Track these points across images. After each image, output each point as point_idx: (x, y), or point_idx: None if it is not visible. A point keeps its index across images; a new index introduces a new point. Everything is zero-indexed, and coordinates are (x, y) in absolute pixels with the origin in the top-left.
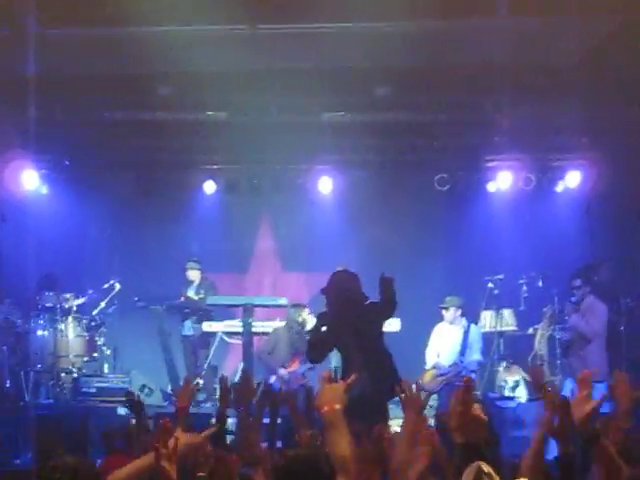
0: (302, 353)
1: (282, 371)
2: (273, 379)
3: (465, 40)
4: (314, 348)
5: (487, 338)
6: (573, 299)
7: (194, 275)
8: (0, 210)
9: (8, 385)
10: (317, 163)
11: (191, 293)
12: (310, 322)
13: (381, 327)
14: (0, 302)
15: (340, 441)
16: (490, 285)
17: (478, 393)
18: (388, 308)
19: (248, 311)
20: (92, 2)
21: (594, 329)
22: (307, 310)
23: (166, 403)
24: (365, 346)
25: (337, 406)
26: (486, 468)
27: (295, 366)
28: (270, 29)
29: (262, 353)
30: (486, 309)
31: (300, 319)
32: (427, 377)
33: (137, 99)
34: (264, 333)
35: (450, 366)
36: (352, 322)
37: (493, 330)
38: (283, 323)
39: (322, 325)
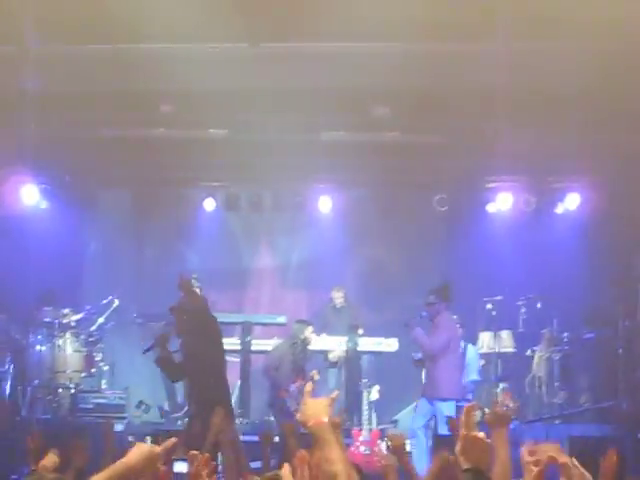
0: (305, 370)
1: (293, 387)
2: (284, 394)
3: (465, 63)
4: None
5: (485, 359)
6: (424, 314)
7: None
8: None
9: (6, 399)
10: (316, 182)
11: None
12: (314, 339)
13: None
14: None
15: (330, 455)
16: (489, 306)
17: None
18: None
19: (247, 329)
20: (94, 20)
21: (434, 346)
22: (311, 328)
23: (163, 420)
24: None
25: (323, 419)
26: None
27: (299, 384)
28: (270, 48)
29: (269, 369)
30: (484, 330)
31: (303, 336)
32: None
33: (138, 116)
34: (263, 351)
35: None
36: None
37: (491, 351)
38: (283, 340)
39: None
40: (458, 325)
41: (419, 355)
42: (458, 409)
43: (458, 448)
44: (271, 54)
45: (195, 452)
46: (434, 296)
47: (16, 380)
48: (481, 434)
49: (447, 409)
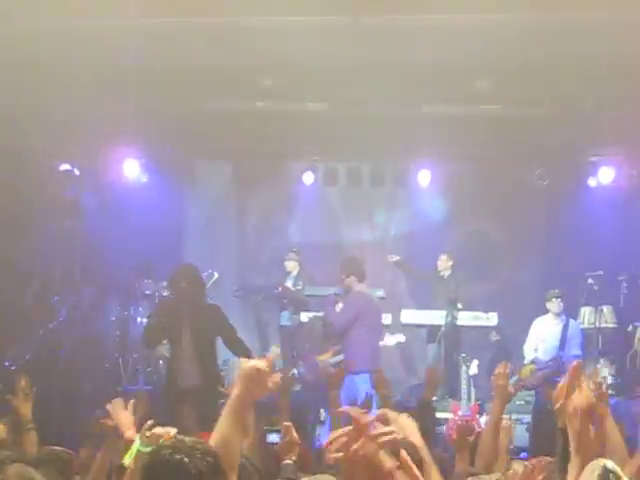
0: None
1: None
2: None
3: (565, 34)
4: (149, 332)
5: (586, 334)
6: (338, 291)
7: (292, 266)
8: (102, 198)
9: (106, 370)
10: (416, 155)
11: (289, 284)
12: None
13: (216, 327)
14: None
15: None
16: (590, 281)
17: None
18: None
19: None
20: None
21: (338, 322)
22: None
23: None
24: (196, 339)
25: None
26: (611, 465)
27: (328, 356)
28: (371, 21)
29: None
30: (585, 305)
31: None
32: (525, 372)
33: (238, 90)
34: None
35: (549, 361)
36: (187, 315)
37: (592, 326)
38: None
39: (159, 311)
40: (380, 295)
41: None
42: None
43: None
44: (372, 27)
45: (288, 423)
46: (343, 272)
47: (117, 352)
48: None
49: (361, 381)
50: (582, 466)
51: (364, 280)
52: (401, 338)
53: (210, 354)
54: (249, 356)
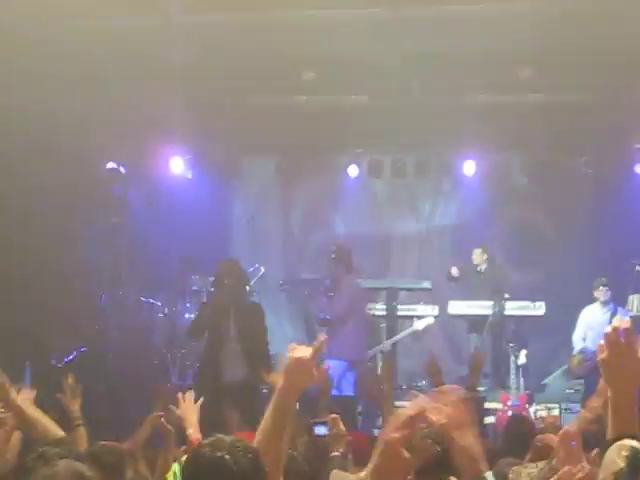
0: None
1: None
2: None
3: (606, 18)
4: (195, 324)
5: (636, 322)
6: (327, 282)
7: None
8: (148, 195)
9: (155, 366)
10: (460, 146)
11: None
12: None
13: (258, 323)
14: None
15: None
16: (638, 268)
17: None
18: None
19: (392, 294)
20: None
21: (338, 311)
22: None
23: None
24: (243, 335)
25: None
26: None
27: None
28: (412, 11)
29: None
30: (634, 293)
31: None
32: (575, 362)
33: (281, 83)
34: (408, 316)
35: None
36: (232, 311)
37: None
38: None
39: (206, 306)
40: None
41: (325, 315)
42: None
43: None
44: (413, 18)
45: (336, 415)
46: (331, 263)
47: (166, 348)
48: None
49: (338, 368)
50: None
51: (352, 271)
52: (430, 320)
53: (257, 350)
54: (265, 373)
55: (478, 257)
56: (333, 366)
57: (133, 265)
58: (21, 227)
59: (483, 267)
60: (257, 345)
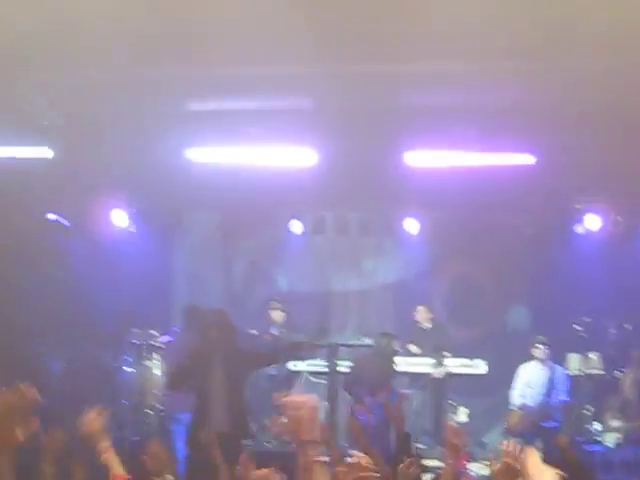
0: (391, 384)
1: (369, 400)
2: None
3: (549, 83)
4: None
5: (574, 381)
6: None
7: (277, 316)
8: (90, 248)
9: None
10: (403, 204)
11: (275, 332)
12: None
13: (247, 372)
14: (89, 340)
15: None
16: (577, 328)
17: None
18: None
19: (333, 350)
20: None
21: None
22: (397, 341)
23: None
24: (227, 385)
25: None
26: None
27: (383, 395)
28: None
29: (348, 384)
30: (573, 352)
31: (389, 349)
32: (514, 418)
33: (226, 140)
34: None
35: (536, 407)
36: (218, 362)
37: (580, 373)
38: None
39: (186, 356)
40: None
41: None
42: None
43: None
44: (362, 74)
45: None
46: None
47: (106, 402)
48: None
49: None
50: None
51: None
52: None
53: (240, 401)
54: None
55: (421, 314)
56: None
57: (74, 319)
58: None
59: (427, 325)
60: (241, 395)
